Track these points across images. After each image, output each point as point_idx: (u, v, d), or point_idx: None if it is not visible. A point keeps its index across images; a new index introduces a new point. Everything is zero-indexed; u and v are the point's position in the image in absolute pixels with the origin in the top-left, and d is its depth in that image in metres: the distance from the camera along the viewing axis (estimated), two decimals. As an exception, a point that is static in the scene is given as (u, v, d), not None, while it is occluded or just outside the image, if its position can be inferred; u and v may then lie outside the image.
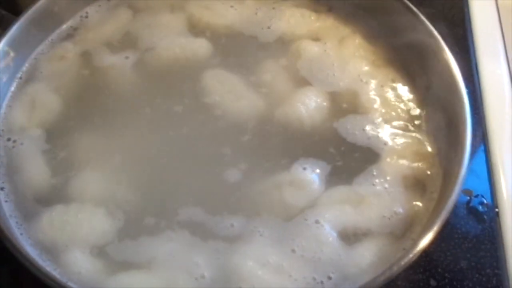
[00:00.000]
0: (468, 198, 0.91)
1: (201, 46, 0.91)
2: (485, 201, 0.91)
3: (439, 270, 0.84)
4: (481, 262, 0.85)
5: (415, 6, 0.89)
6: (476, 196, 0.91)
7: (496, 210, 0.90)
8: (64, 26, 0.93)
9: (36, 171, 0.79)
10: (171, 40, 0.91)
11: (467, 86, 0.82)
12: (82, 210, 0.75)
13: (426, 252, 0.83)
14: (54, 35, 0.92)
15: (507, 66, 1.06)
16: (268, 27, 0.93)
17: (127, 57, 0.91)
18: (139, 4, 0.96)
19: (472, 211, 0.90)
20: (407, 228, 0.75)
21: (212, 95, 0.86)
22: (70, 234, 0.73)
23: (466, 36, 1.09)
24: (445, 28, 1.04)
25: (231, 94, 0.86)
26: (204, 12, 0.94)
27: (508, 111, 1.01)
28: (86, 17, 0.95)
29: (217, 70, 0.88)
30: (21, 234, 0.74)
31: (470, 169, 0.78)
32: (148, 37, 0.92)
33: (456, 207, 0.89)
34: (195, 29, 0.94)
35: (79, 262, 0.71)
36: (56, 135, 0.83)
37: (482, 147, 0.96)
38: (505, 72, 1.06)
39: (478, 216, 0.90)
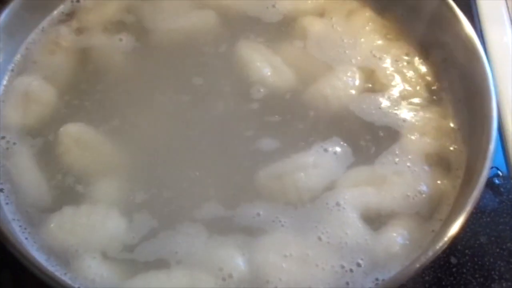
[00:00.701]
0: (488, 170, 0.90)
1: (208, 22, 0.88)
2: (500, 173, 0.89)
3: (459, 247, 0.83)
4: (501, 236, 0.84)
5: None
6: (492, 168, 0.87)
7: (512, 181, 0.87)
8: (55, 12, 0.89)
9: (34, 172, 0.75)
10: (177, 17, 0.88)
11: None
12: (94, 212, 0.71)
13: None
14: (45, 22, 0.88)
15: (512, 34, 1.03)
16: (273, 6, 0.90)
17: (125, 40, 0.87)
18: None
19: (488, 184, 0.86)
20: (434, 208, 0.73)
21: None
22: (81, 237, 0.69)
23: (470, 4, 1.07)
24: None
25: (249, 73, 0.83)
26: None
27: (516, 79, 0.98)
28: (78, 1, 0.90)
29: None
30: (26, 238, 0.70)
31: None
32: (150, 17, 0.89)
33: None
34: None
35: (92, 267, 0.68)
36: (53, 130, 0.78)
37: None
38: (510, 39, 1.04)
39: (495, 189, 0.88)
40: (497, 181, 0.89)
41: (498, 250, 0.83)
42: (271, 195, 0.73)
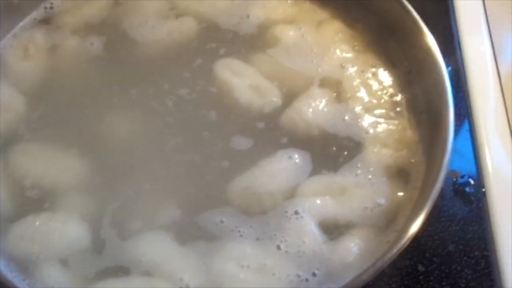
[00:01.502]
0: (454, 179, 0.90)
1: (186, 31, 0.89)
2: (471, 182, 0.90)
3: (427, 255, 0.83)
4: (469, 245, 0.84)
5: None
6: (462, 177, 0.90)
7: (483, 190, 0.89)
8: (28, 18, 0.90)
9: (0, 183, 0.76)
10: (155, 23, 0.89)
11: (449, 64, 0.82)
12: (53, 220, 0.72)
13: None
14: (17, 28, 0.89)
15: (490, 43, 1.04)
16: (248, 16, 0.91)
17: (96, 46, 0.88)
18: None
19: (458, 192, 0.89)
20: (391, 219, 0.74)
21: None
22: (40, 245, 0.71)
23: (448, 13, 1.07)
24: (426, 5, 1.03)
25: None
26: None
27: (491, 88, 0.99)
28: (51, 8, 0.91)
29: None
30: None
31: (455, 150, 0.76)
32: (127, 24, 0.90)
33: (442, 189, 0.88)
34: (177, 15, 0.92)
35: (51, 274, 0.69)
36: (21, 141, 0.80)
37: (466, 126, 0.95)
38: (488, 49, 1.04)
39: (465, 197, 0.89)
40: (467, 190, 0.89)
41: (466, 258, 0.83)
42: (234, 202, 0.75)
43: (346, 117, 0.81)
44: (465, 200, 0.88)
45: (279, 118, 0.81)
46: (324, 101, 0.82)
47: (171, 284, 0.68)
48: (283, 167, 0.76)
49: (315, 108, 0.81)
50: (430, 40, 0.81)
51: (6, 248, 0.71)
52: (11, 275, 0.67)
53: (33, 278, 0.69)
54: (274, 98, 0.82)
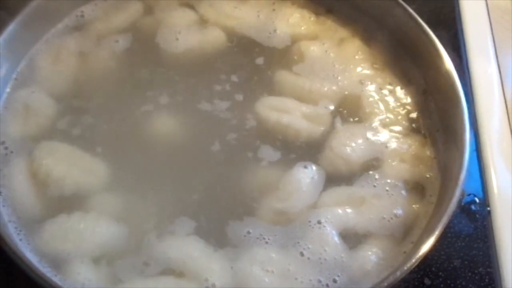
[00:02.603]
0: (461, 197, 0.92)
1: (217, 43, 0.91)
2: (477, 200, 0.92)
3: (433, 269, 0.86)
4: (474, 261, 0.87)
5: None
6: (469, 195, 0.93)
7: (488, 209, 0.91)
8: (60, 25, 0.92)
9: (27, 183, 0.77)
10: (184, 34, 0.91)
11: None
12: (86, 219, 0.74)
13: None
14: (49, 34, 0.91)
15: (497, 66, 1.08)
16: (275, 30, 0.94)
17: (129, 54, 0.91)
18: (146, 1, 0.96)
19: (464, 210, 0.92)
20: (407, 231, 0.77)
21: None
22: (72, 244, 0.72)
23: (457, 36, 1.10)
24: (437, 28, 1.06)
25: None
26: (211, 11, 0.94)
27: (498, 110, 1.02)
28: (82, 16, 0.94)
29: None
30: (20, 240, 0.74)
31: None
32: (157, 31, 0.92)
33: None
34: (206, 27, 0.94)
35: (82, 272, 0.71)
36: (52, 143, 0.82)
37: (474, 146, 0.97)
38: (495, 71, 1.07)
39: (471, 215, 0.91)
40: (473, 208, 0.92)
41: (470, 274, 0.86)
42: (260, 213, 0.77)
43: (367, 133, 0.84)
44: (470, 218, 0.91)
45: (292, 133, 0.84)
46: (343, 117, 0.85)
47: (196, 284, 0.71)
48: (305, 178, 0.79)
49: (351, 144, 0.83)
50: (448, 63, 0.84)
51: (39, 246, 0.73)
52: (43, 270, 0.69)
53: (64, 274, 0.71)
54: (322, 126, 0.84)
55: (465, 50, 1.08)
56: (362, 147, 0.82)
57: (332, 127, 0.84)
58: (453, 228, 0.90)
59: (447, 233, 0.89)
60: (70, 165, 0.78)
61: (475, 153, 0.97)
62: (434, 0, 1.15)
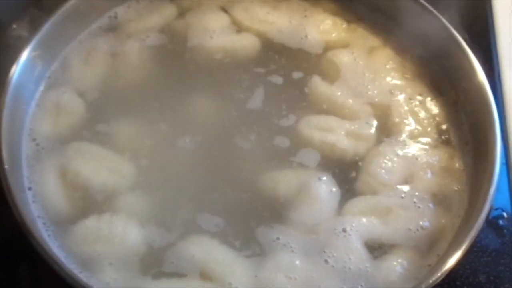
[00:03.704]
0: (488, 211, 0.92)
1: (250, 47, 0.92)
2: (505, 215, 0.91)
3: (458, 283, 0.85)
4: (500, 277, 0.86)
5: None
6: (496, 209, 0.91)
7: (516, 224, 0.90)
8: (94, 26, 0.93)
9: (56, 182, 0.78)
10: (217, 36, 0.92)
11: None
12: (114, 222, 0.74)
13: None
14: (83, 35, 0.92)
15: (529, 79, 1.06)
16: (306, 36, 0.94)
17: (162, 54, 0.91)
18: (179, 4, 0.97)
19: (491, 224, 0.90)
20: (433, 243, 0.77)
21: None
22: (100, 245, 0.73)
23: (490, 48, 1.09)
24: (469, 39, 1.05)
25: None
26: (244, 16, 0.95)
27: (529, 124, 1.00)
28: (115, 17, 0.94)
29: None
30: (49, 235, 0.74)
31: None
32: (189, 33, 0.93)
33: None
34: (239, 31, 0.94)
35: (108, 271, 0.72)
36: (81, 143, 0.82)
37: (503, 160, 0.95)
38: (527, 85, 1.05)
39: (498, 230, 0.90)
40: (501, 222, 0.91)
41: (495, 290, 0.84)
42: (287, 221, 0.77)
43: (400, 153, 0.83)
44: (497, 233, 0.90)
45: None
46: (391, 156, 0.83)
47: (219, 287, 0.71)
48: (333, 187, 0.80)
49: (387, 167, 0.82)
50: (481, 76, 0.83)
51: (66, 243, 0.74)
52: (69, 267, 0.70)
53: (90, 272, 0.72)
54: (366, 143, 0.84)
55: (497, 63, 1.07)
56: (396, 165, 0.81)
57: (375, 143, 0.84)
58: (479, 242, 0.89)
59: (473, 247, 0.86)
60: (98, 166, 0.79)
61: (504, 167, 0.95)
62: (467, 11, 1.13)
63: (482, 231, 0.87)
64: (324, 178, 0.80)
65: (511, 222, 0.90)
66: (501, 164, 0.92)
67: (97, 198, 0.77)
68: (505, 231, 0.90)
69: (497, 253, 0.88)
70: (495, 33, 1.10)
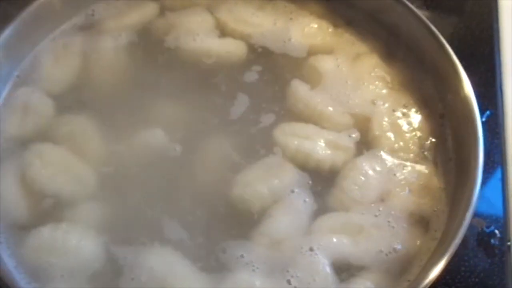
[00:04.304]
0: (480, 229, 0.87)
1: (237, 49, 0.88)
2: (497, 234, 0.87)
3: (443, 304, 0.80)
4: (487, 299, 0.81)
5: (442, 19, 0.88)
6: (488, 227, 0.87)
7: (509, 243, 0.86)
8: (68, 23, 0.90)
9: (14, 185, 0.76)
10: (198, 37, 0.89)
11: (488, 108, 0.82)
12: (70, 233, 0.72)
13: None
14: (57, 32, 0.89)
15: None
16: (289, 39, 0.90)
17: (137, 53, 0.88)
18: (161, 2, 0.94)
19: (482, 242, 0.87)
20: (405, 268, 0.72)
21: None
22: (53, 257, 0.71)
23: (492, 55, 1.04)
24: (471, 45, 1.01)
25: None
26: (229, 16, 0.91)
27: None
28: (92, 15, 0.91)
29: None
30: (1, 242, 0.72)
31: (483, 198, 0.76)
32: (170, 32, 0.90)
33: (465, 238, 0.86)
34: (223, 33, 0.91)
35: (59, 282, 0.70)
36: (44, 142, 0.80)
37: (499, 175, 0.92)
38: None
39: (489, 248, 0.86)
40: (492, 241, 0.87)
41: (483, 312, 0.81)
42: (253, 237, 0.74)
43: (378, 168, 0.79)
44: (488, 252, 0.86)
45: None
46: (367, 171, 0.79)
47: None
48: (300, 203, 0.76)
49: (361, 183, 0.78)
50: (468, 87, 0.79)
51: (19, 253, 0.72)
52: (18, 277, 0.68)
53: (39, 283, 0.70)
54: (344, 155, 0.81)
55: (500, 71, 1.02)
56: (372, 181, 0.77)
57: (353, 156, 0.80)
58: (467, 261, 0.85)
59: (461, 266, 0.85)
60: (58, 170, 0.76)
61: (499, 182, 0.91)
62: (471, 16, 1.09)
63: (471, 250, 0.86)
64: (297, 190, 0.77)
65: (503, 242, 0.86)
66: (496, 179, 0.89)
67: (54, 205, 0.75)
68: (496, 250, 0.86)
69: (486, 274, 0.84)
70: (499, 39, 1.05)
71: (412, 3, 0.88)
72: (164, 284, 0.70)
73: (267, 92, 0.86)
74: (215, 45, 0.88)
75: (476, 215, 0.88)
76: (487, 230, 0.87)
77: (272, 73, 0.88)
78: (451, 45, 0.85)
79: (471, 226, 0.87)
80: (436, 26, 0.86)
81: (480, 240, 0.87)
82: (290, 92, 0.85)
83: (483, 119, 0.94)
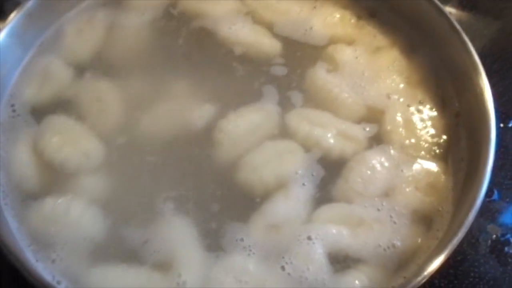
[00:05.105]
0: (494, 236, 0.86)
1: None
2: (512, 242, 0.84)
3: (447, 310, 0.79)
4: (494, 308, 0.79)
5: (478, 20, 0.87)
6: (504, 235, 0.86)
7: (523, 253, 0.83)
8: (94, -2, 0.91)
9: (25, 153, 0.77)
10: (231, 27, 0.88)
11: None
12: (73, 205, 0.73)
13: (435, 286, 0.80)
14: (82, 6, 0.90)
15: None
16: (311, 28, 0.89)
17: (166, 33, 0.88)
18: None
19: (495, 250, 0.85)
20: (402, 264, 0.71)
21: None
22: (54, 224, 0.72)
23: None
24: (503, 49, 0.98)
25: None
26: (257, 3, 0.91)
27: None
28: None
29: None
30: (5, 204, 0.74)
31: (503, 205, 0.76)
32: (197, 17, 0.90)
33: (478, 243, 0.84)
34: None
35: (59, 250, 0.71)
36: (58, 112, 0.81)
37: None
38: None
39: (501, 257, 0.84)
40: (506, 249, 0.85)
41: (488, 321, 0.79)
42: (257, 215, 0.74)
43: (385, 163, 0.78)
44: (500, 260, 0.84)
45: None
46: (375, 165, 0.78)
47: (169, 277, 0.69)
48: (304, 191, 0.75)
49: (367, 177, 0.77)
50: (487, 88, 0.77)
51: (23, 217, 0.73)
52: (19, 237, 0.70)
53: (39, 246, 0.71)
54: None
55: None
56: (379, 176, 0.76)
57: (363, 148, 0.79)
58: (477, 267, 0.84)
59: (470, 272, 0.84)
60: (68, 142, 0.77)
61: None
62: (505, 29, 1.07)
63: (482, 257, 0.84)
64: (302, 177, 0.76)
65: (517, 250, 0.83)
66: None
67: (62, 177, 0.76)
68: (509, 259, 0.84)
69: (495, 282, 0.83)
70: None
71: (447, 2, 0.86)
72: (165, 258, 0.70)
73: (286, 78, 0.86)
74: (250, 40, 0.88)
75: (492, 222, 0.87)
76: (502, 238, 0.85)
77: (292, 60, 0.87)
78: (483, 47, 0.83)
79: (485, 233, 0.87)
80: (470, 28, 0.85)
81: (493, 247, 0.85)
82: (309, 75, 0.84)
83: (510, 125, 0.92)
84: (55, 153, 0.76)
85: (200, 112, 0.81)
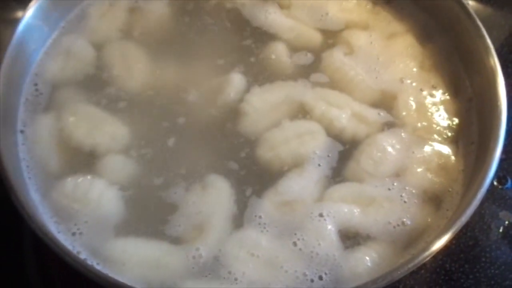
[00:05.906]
0: (507, 222, 0.87)
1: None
2: (528, 230, 0.85)
3: (457, 291, 0.80)
4: (505, 292, 0.80)
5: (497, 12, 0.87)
6: None
7: (536, 240, 0.84)
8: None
9: (48, 133, 0.79)
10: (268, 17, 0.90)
11: None
12: (93, 186, 0.74)
13: (446, 270, 0.80)
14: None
15: None
16: (327, 14, 0.90)
17: (185, 17, 0.90)
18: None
19: (507, 236, 0.86)
20: (411, 242, 0.72)
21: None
22: (76, 203, 0.73)
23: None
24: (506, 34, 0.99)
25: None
26: None
27: None
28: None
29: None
30: (29, 178, 0.76)
31: None
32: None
33: (490, 230, 0.85)
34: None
35: (81, 225, 0.72)
36: (86, 90, 0.83)
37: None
38: None
39: (513, 242, 0.84)
40: (517, 236, 0.85)
41: (498, 305, 0.79)
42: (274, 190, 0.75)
43: (397, 146, 0.79)
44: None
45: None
46: (386, 148, 0.79)
47: (185, 252, 0.70)
48: (317, 171, 0.77)
49: (378, 159, 0.78)
50: (499, 73, 0.77)
51: (46, 190, 0.75)
52: (42, 210, 0.72)
53: (61, 219, 0.73)
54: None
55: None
56: (390, 158, 0.77)
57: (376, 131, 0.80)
58: (489, 252, 0.85)
59: (481, 257, 0.85)
60: (92, 124, 0.79)
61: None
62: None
63: (494, 241, 0.85)
64: (318, 157, 0.78)
65: (531, 237, 0.84)
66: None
67: (84, 156, 0.78)
68: (520, 245, 0.84)
69: (506, 267, 0.84)
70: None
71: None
72: (184, 234, 0.72)
73: (303, 60, 0.87)
74: (293, 34, 0.89)
75: (504, 209, 0.87)
76: (516, 223, 0.85)
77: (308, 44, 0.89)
78: (500, 38, 0.83)
79: (497, 219, 0.87)
80: (487, 19, 0.88)
81: (506, 233, 0.86)
82: (326, 57, 0.86)
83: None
84: (82, 133, 0.78)
85: (231, 84, 0.82)
